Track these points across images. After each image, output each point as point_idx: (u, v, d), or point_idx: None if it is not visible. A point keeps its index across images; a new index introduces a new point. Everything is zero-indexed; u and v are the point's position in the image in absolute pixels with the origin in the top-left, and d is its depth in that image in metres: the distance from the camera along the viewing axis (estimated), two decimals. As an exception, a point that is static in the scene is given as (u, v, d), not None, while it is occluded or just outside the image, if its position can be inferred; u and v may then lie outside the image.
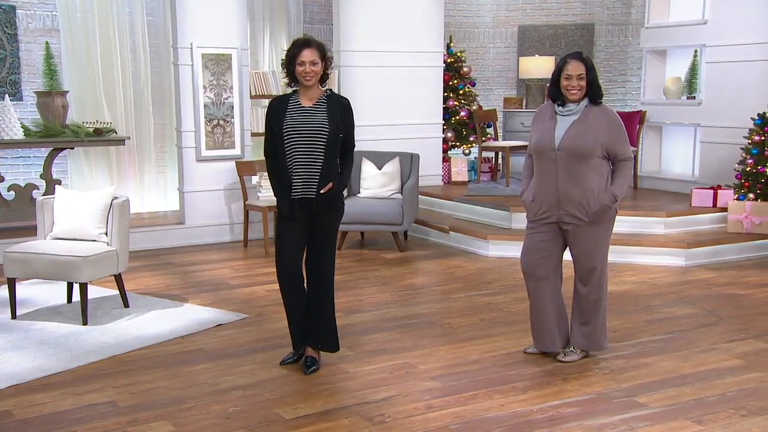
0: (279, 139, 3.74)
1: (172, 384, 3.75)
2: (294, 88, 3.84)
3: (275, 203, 3.93)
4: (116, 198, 4.92)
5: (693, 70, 7.83)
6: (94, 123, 6.90)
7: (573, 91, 3.79)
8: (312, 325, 3.93)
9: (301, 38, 3.80)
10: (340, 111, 3.79)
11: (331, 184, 3.76)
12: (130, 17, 7.62)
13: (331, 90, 3.87)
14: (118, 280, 4.96)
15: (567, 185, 3.84)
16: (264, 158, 3.91)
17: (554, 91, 3.87)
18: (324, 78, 3.80)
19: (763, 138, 6.56)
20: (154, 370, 3.95)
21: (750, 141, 6.64)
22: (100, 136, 6.76)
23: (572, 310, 4.08)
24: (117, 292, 5.04)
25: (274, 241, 3.89)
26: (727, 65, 7.29)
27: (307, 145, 3.72)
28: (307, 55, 3.69)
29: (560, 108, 3.87)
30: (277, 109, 3.78)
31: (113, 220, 4.86)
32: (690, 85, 7.86)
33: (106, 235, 4.87)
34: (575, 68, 3.78)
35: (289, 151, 3.73)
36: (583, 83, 3.78)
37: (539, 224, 3.98)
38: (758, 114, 6.62)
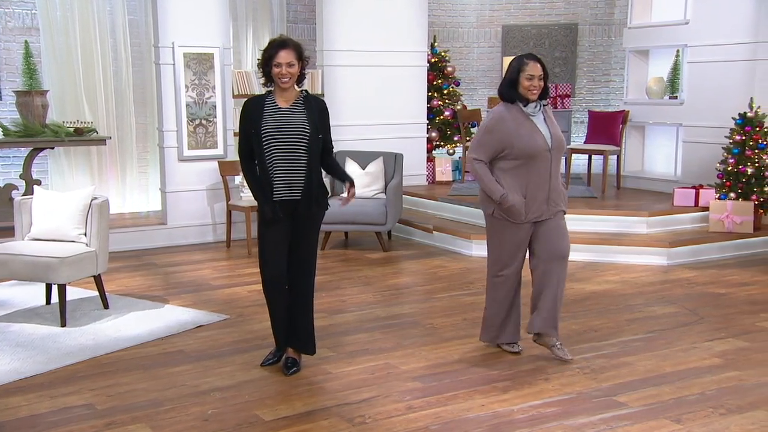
0: (257, 141, 3.69)
1: (151, 386, 3.72)
2: (269, 89, 3.80)
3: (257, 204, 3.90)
4: (95, 198, 4.87)
5: (675, 70, 7.88)
6: (74, 123, 6.83)
7: (534, 91, 3.84)
8: (293, 326, 3.90)
9: (278, 39, 3.76)
10: (317, 112, 3.77)
11: (353, 190, 3.87)
12: (111, 16, 7.55)
13: (306, 91, 3.84)
14: (98, 281, 4.91)
15: (555, 181, 3.95)
16: (239, 158, 3.86)
17: (513, 92, 3.87)
18: (300, 79, 3.77)
19: (744, 137, 6.61)
20: (133, 372, 3.91)
21: (731, 141, 6.68)
22: (81, 136, 6.70)
23: (538, 298, 4.03)
24: (97, 293, 4.99)
25: (257, 244, 3.86)
26: (709, 65, 7.33)
27: (287, 147, 3.68)
28: (284, 56, 3.65)
29: (529, 109, 3.89)
30: (253, 110, 3.73)
31: (92, 220, 4.81)
32: (672, 85, 7.90)
33: (85, 235, 4.82)
34: (536, 69, 3.84)
35: (268, 153, 3.69)
36: (542, 83, 3.86)
37: (524, 224, 3.96)
38: (739, 114, 6.66)
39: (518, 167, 3.90)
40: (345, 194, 3.92)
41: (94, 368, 3.95)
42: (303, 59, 3.73)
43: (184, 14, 6.79)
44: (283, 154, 3.68)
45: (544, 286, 3.99)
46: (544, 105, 3.98)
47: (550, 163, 3.90)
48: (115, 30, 7.59)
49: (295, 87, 3.76)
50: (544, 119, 3.94)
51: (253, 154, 3.74)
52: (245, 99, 3.87)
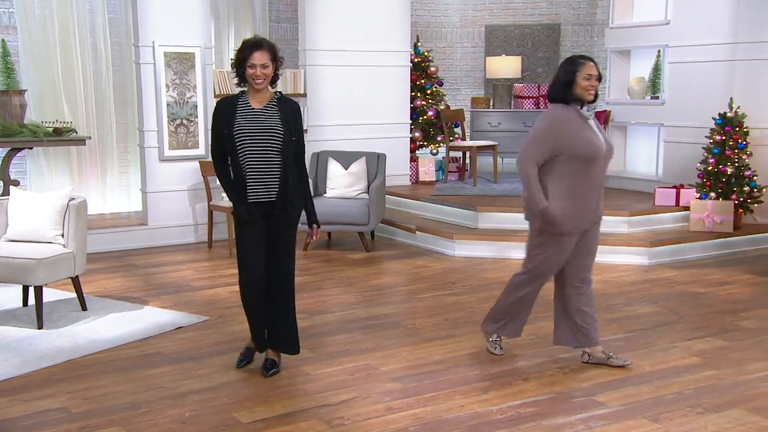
0: (230, 142, 3.66)
1: (128, 388, 3.68)
2: (242, 89, 3.76)
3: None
4: (73, 199, 4.82)
5: (656, 70, 7.91)
6: (53, 123, 6.75)
7: (592, 91, 3.72)
8: (274, 327, 3.88)
9: (252, 39, 3.72)
10: (291, 114, 3.73)
11: (317, 229, 3.89)
12: (90, 15, 7.48)
13: (280, 92, 3.81)
14: (76, 282, 4.85)
15: (604, 188, 3.86)
16: (212, 159, 3.82)
17: (568, 93, 3.71)
18: (274, 80, 3.73)
19: (723, 137, 6.65)
20: (110, 374, 3.86)
21: (711, 140, 6.73)
22: (60, 136, 6.61)
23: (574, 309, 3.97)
24: (74, 294, 4.93)
25: (236, 246, 3.82)
26: (689, 65, 7.38)
27: (261, 148, 3.65)
28: (258, 57, 3.61)
29: (584, 111, 3.76)
30: (226, 111, 3.69)
31: (70, 221, 4.75)
32: (653, 85, 7.95)
33: (63, 237, 4.76)
34: (593, 69, 3.71)
35: (242, 154, 3.65)
36: (598, 84, 3.75)
37: (574, 237, 3.81)
38: (719, 114, 6.71)
39: (574, 172, 3.70)
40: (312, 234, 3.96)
41: (71, 371, 3.91)
42: (277, 60, 3.69)
43: (165, 13, 6.74)
44: (257, 156, 3.65)
45: (586, 304, 3.96)
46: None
47: (604, 170, 3.79)
48: (94, 29, 7.52)
49: (269, 88, 3.73)
50: (595, 124, 3.82)
51: (226, 154, 3.71)
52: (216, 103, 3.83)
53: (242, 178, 3.67)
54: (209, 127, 7.00)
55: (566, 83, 3.72)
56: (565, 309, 3.99)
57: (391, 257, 6.59)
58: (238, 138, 3.64)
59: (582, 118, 3.76)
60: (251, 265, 3.75)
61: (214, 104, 6.84)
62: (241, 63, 3.65)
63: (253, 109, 3.69)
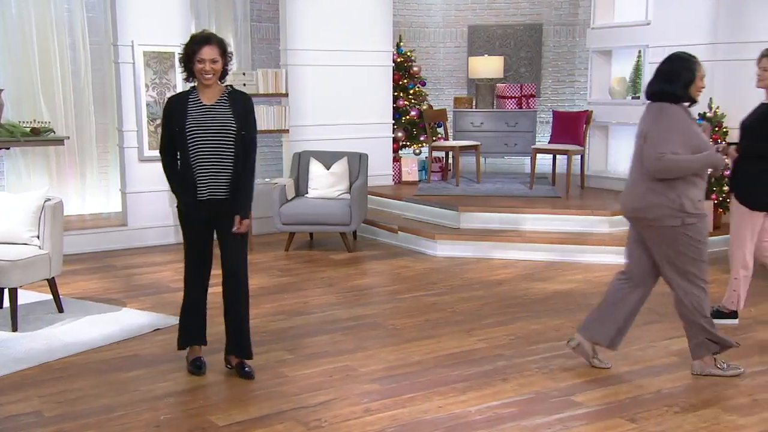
0: (180, 139, 3.60)
1: (103, 392, 3.63)
2: (192, 84, 3.70)
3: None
4: (49, 200, 4.76)
5: (637, 71, 7.94)
6: (31, 122, 6.66)
7: (701, 93, 3.72)
8: (234, 334, 3.83)
9: (200, 34, 3.65)
10: (242, 107, 3.67)
11: (245, 222, 3.69)
12: (69, 14, 7.39)
13: (231, 86, 3.75)
14: (52, 284, 4.79)
15: None
16: (161, 155, 3.75)
17: (686, 92, 3.66)
18: (223, 74, 3.68)
19: (703, 137, 6.68)
20: (85, 377, 3.81)
21: (691, 140, 6.75)
22: (38, 136, 6.51)
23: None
24: (51, 296, 4.87)
25: (184, 248, 3.79)
26: (670, 66, 7.40)
27: (212, 145, 3.60)
28: (207, 52, 3.56)
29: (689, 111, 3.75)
30: (176, 108, 3.64)
31: (45, 222, 4.69)
32: (634, 85, 7.97)
33: (38, 238, 4.70)
34: (704, 71, 3.72)
35: (193, 151, 3.60)
36: None
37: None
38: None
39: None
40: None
41: (45, 374, 3.85)
42: (227, 55, 3.65)
43: (144, 12, 6.68)
44: (208, 153, 3.60)
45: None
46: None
47: None
48: (73, 28, 7.43)
49: (218, 83, 3.68)
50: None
51: (177, 152, 3.66)
52: (168, 98, 3.76)
53: (192, 176, 3.61)
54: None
55: (687, 82, 3.66)
56: (633, 312, 3.92)
57: (373, 257, 6.57)
58: (190, 135, 3.58)
59: (691, 116, 3.74)
60: (194, 264, 3.76)
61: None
62: (189, 58, 3.58)
63: (203, 105, 3.63)
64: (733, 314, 4.72)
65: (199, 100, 3.65)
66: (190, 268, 3.82)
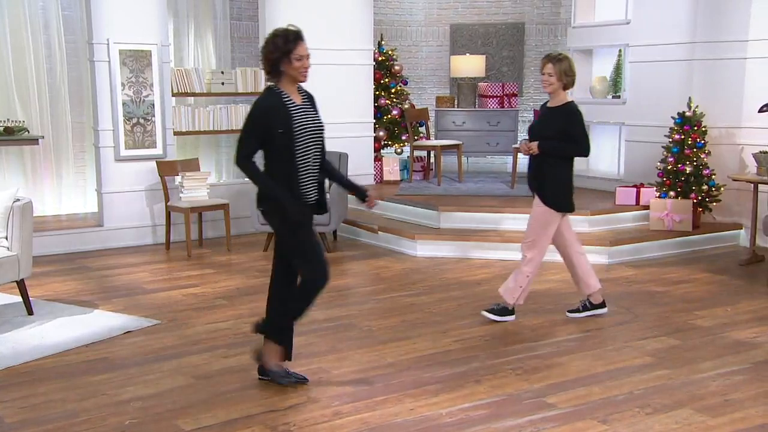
0: (287, 140, 3.41)
1: (69, 396, 3.56)
2: (269, 84, 3.55)
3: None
4: (18, 200, 4.68)
5: (617, 70, 7.94)
6: (4, 122, 6.58)
7: None
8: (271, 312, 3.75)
9: (290, 30, 3.48)
10: (316, 106, 3.63)
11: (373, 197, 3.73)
12: (43, 11, 7.28)
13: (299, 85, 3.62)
14: (21, 286, 4.71)
15: None
16: (241, 162, 3.48)
17: None
18: None
19: (682, 136, 6.68)
20: (51, 381, 3.74)
21: (670, 140, 6.76)
22: (11, 136, 6.46)
23: None
24: (20, 299, 4.79)
25: (300, 251, 3.57)
26: (649, 65, 7.41)
27: (316, 146, 3.52)
28: (304, 48, 3.44)
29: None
30: (279, 109, 3.43)
31: (14, 223, 4.61)
32: (615, 85, 7.97)
33: (7, 239, 4.62)
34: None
35: (300, 153, 3.45)
36: None
37: None
38: (678, 113, 6.74)
39: None
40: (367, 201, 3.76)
41: (10, 378, 3.78)
42: None
43: (120, 10, 6.59)
44: (313, 153, 3.51)
45: None
46: None
47: None
48: (48, 26, 7.32)
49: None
50: None
51: (279, 155, 3.45)
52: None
53: (297, 179, 3.45)
54: (167, 126, 6.92)
55: None
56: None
57: (353, 258, 6.52)
58: (298, 136, 3.43)
59: None
60: (325, 268, 3.56)
61: (172, 103, 6.84)
62: (285, 55, 3.42)
63: (298, 105, 3.51)
64: (512, 311, 4.71)
65: (292, 100, 3.50)
66: (322, 270, 3.57)
